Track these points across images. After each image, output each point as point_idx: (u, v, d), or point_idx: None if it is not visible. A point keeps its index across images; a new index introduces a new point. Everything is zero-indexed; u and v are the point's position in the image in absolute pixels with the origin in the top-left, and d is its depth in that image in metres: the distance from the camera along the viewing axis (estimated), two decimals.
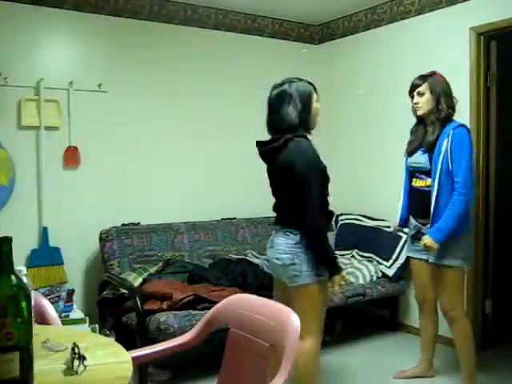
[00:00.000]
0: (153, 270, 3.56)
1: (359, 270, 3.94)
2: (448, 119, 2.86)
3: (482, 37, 3.53)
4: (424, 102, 2.89)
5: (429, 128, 2.93)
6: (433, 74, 2.93)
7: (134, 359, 1.42)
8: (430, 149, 2.87)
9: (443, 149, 2.79)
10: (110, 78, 3.81)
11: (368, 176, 4.42)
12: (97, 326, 3.19)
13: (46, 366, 1.31)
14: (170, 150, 4.11)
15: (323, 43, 4.84)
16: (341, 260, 4.10)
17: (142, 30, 3.95)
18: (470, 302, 3.61)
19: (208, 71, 4.27)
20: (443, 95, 2.85)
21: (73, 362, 1.28)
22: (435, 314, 3.14)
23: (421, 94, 2.90)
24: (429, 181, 2.88)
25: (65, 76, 3.66)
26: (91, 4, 3.72)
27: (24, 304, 1.16)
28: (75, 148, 3.69)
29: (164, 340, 2.00)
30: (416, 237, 3.02)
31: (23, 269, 1.51)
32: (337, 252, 4.18)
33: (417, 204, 2.99)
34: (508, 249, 3.92)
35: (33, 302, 1.25)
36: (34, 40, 3.57)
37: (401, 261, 3.88)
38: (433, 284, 3.03)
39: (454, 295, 2.91)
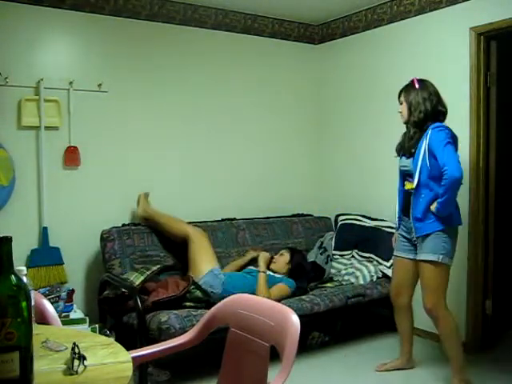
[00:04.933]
0: (156, 267, 3.56)
1: (359, 271, 3.94)
2: (424, 123, 2.94)
3: (482, 37, 3.53)
4: (403, 110, 3.06)
5: (409, 134, 3.06)
6: (410, 82, 3.07)
7: (134, 359, 1.42)
8: (410, 154, 3.01)
9: (422, 150, 2.90)
10: (109, 78, 3.81)
11: (368, 176, 4.42)
12: (97, 326, 3.19)
13: (46, 366, 1.31)
14: (169, 150, 4.11)
15: (323, 43, 4.84)
16: (341, 260, 4.14)
17: (142, 30, 3.95)
18: (470, 302, 3.62)
19: (208, 71, 4.27)
20: (415, 102, 2.98)
21: (73, 362, 1.28)
22: (409, 310, 3.25)
23: (401, 103, 3.08)
24: (413, 184, 3.00)
25: (65, 76, 3.66)
26: (91, 4, 3.72)
27: (24, 304, 1.16)
28: (75, 148, 3.69)
29: (165, 340, 2.00)
30: (405, 236, 3.13)
31: (23, 269, 1.51)
32: (336, 252, 4.22)
33: (406, 205, 3.09)
34: (508, 248, 3.91)
35: (33, 302, 1.25)
36: (33, 40, 3.56)
37: None
38: (409, 282, 3.15)
39: (434, 292, 2.95)
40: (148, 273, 3.44)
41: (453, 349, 2.97)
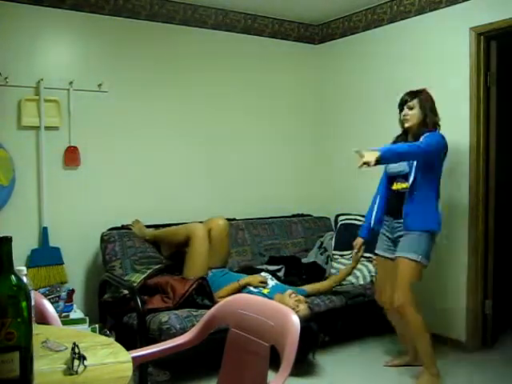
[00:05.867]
0: (157, 266, 3.56)
1: (359, 271, 3.94)
2: (423, 133, 3.03)
3: (482, 37, 3.53)
4: (412, 115, 3.09)
5: (410, 139, 3.12)
6: (422, 90, 3.12)
7: (134, 359, 1.41)
8: None
9: None
10: (109, 78, 3.81)
11: (367, 176, 4.40)
12: (97, 326, 3.19)
13: (46, 366, 1.31)
14: (170, 150, 4.11)
15: (323, 43, 4.84)
16: (341, 260, 4.14)
17: (142, 30, 3.95)
18: (470, 302, 3.62)
19: (208, 71, 4.27)
20: (429, 111, 3.07)
21: (73, 362, 1.28)
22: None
23: (410, 108, 3.10)
24: (406, 184, 3.07)
25: (65, 76, 3.66)
26: (91, 4, 3.72)
27: (24, 304, 1.16)
28: (75, 148, 3.69)
29: (165, 340, 2.00)
30: (388, 236, 3.22)
31: (23, 269, 1.51)
32: (336, 252, 4.21)
33: (395, 205, 3.14)
34: (508, 248, 3.91)
35: (33, 302, 1.25)
36: (34, 40, 3.56)
37: None
38: (390, 281, 3.15)
39: (405, 290, 3.00)
40: (149, 271, 3.44)
41: (422, 345, 3.05)
